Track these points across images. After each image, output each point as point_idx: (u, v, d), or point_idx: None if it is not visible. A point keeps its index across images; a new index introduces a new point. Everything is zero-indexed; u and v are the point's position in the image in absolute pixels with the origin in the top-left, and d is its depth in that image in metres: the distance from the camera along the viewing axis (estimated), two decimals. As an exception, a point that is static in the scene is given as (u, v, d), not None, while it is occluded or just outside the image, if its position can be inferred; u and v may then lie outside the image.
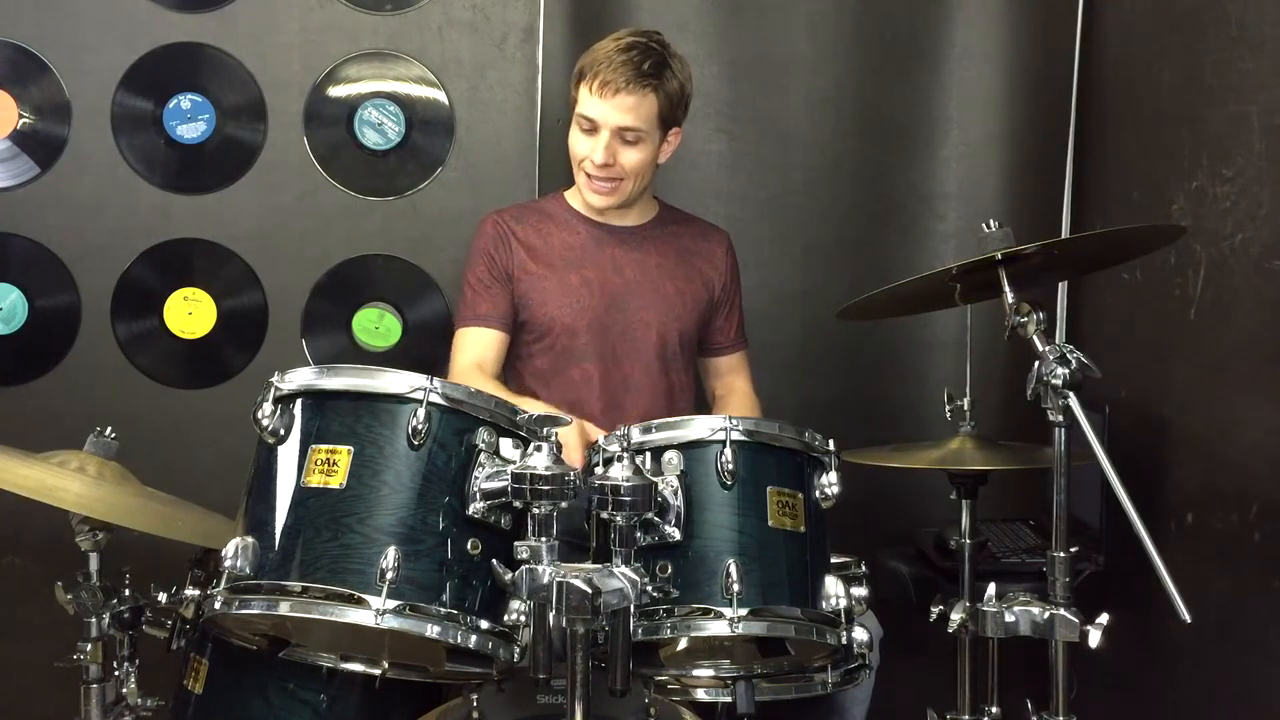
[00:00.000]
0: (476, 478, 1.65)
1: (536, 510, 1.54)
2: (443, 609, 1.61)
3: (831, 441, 1.86)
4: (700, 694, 1.90)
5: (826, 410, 2.82)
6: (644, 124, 2.33)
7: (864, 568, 1.95)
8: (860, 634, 1.79)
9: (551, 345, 2.43)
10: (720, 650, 1.91)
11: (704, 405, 2.59)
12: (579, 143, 2.37)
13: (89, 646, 1.93)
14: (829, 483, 1.82)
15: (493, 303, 2.43)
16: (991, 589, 1.80)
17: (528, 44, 2.86)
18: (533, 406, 2.16)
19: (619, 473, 1.57)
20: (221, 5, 2.83)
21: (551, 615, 1.50)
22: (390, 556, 1.58)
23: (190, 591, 1.92)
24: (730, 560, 1.70)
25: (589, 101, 2.31)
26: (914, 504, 2.73)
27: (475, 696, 1.75)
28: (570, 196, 2.52)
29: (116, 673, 1.97)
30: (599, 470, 1.65)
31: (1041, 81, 2.89)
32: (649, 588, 1.63)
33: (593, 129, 2.33)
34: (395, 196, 2.89)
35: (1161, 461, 2.35)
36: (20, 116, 2.81)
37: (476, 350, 2.43)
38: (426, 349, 2.89)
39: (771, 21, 2.89)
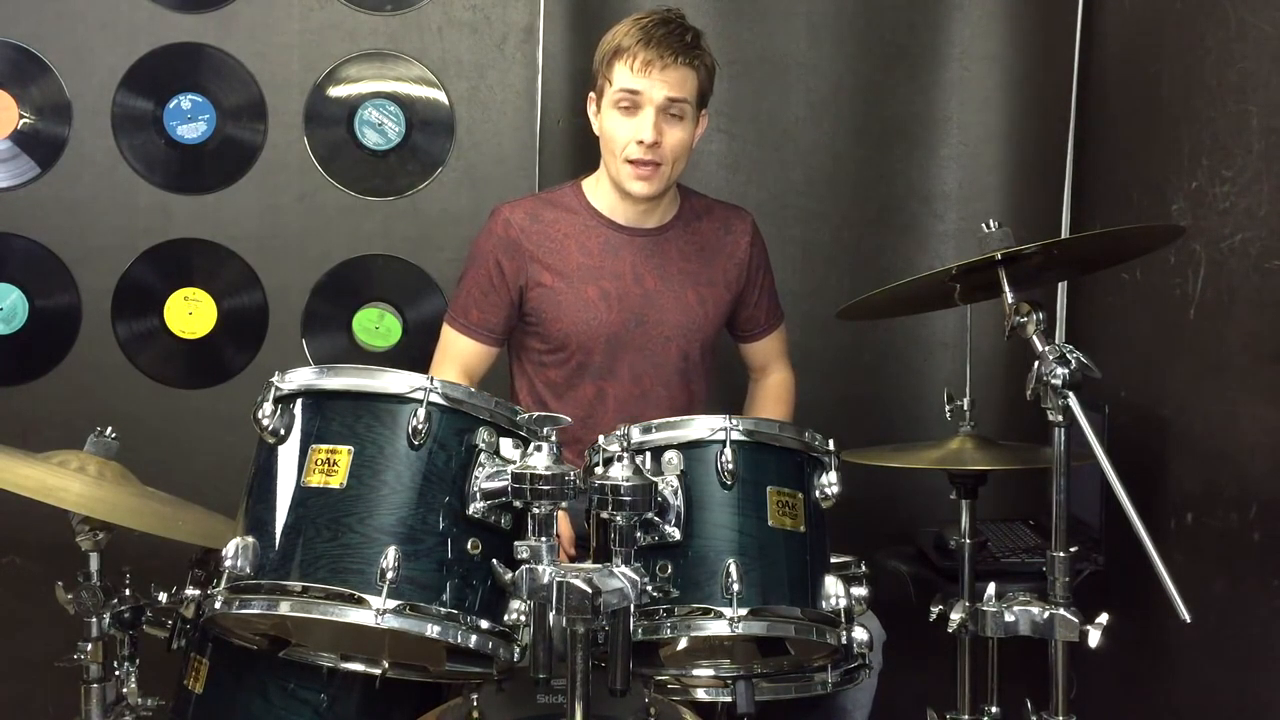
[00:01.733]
0: (476, 478, 1.65)
1: (536, 510, 1.54)
2: (443, 609, 1.61)
3: (831, 441, 1.85)
4: (700, 694, 1.90)
5: (826, 410, 2.81)
6: (688, 96, 2.24)
7: (864, 568, 1.95)
8: (860, 634, 1.79)
9: (566, 360, 2.35)
10: (720, 650, 1.91)
11: (719, 408, 2.57)
12: (620, 126, 2.23)
13: (89, 646, 1.93)
14: (829, 483, 1.82)
15: (485, 312, 2.35)
16: (991, 589, 1.80)
17: (528, 44, 2.86)
18: None
19: (619, 473, 1.57)
20: (221, 5, 2.83)
21: (551, 615, 1.50)
22: (390, 556, 1.58)
23: (190, 591, 1.91)
24: (730, 560, 1.70)
25: (631, 79, 2.20)
26: (914, 504, 2.73)
27: (475, 696, 1.75)
28: (589, 189, 2.39)
29: (117, 672, 1.97)
30: (599, 470, 1.65)
31: (1041, 81, 2.89)
32: (649, 588, 1.63)
33: (634, 107, 2.22)
34: (395, 196, 2.89)
35: (1161, 461, 2.35)
36: (20, 116, 2.81)
37: (462, 360, 2.38)
38: (427, 349, 2.87)
39: (771, 21, 2.89)
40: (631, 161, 2.25)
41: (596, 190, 2.39)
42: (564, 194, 2.41)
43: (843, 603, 1.77)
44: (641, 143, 2.22)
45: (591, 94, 2.33)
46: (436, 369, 2.39)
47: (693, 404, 2.41)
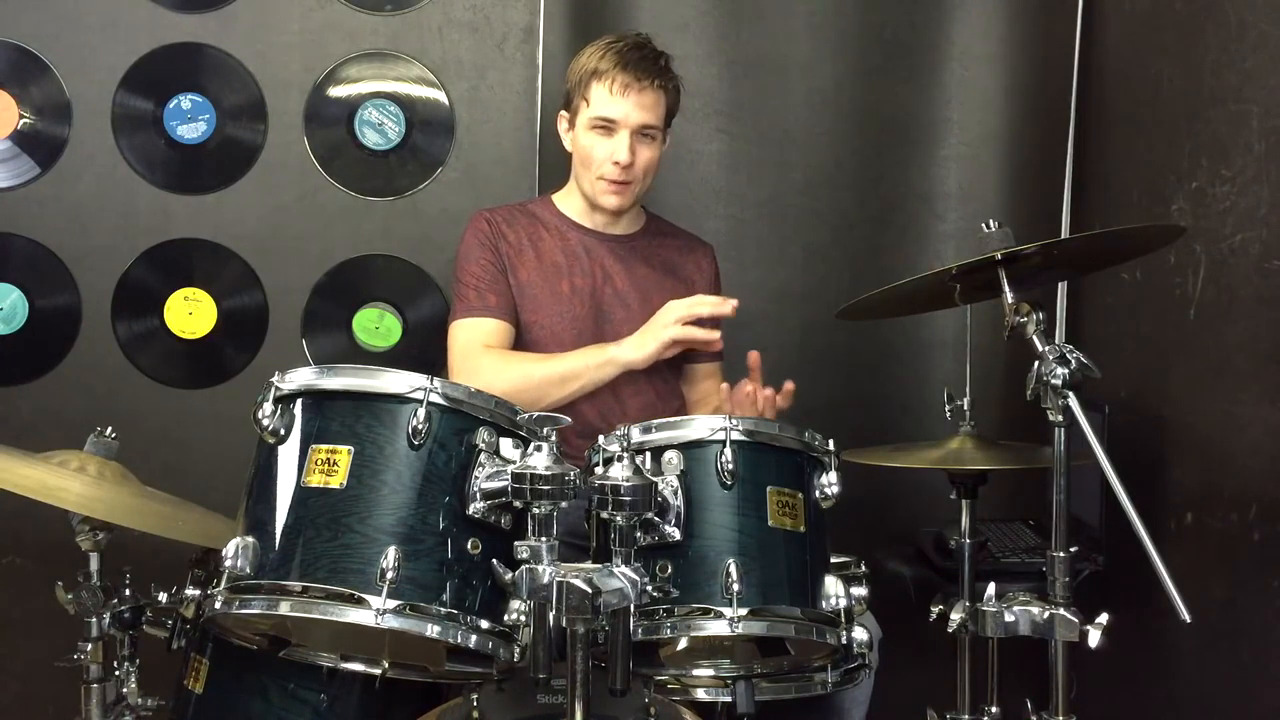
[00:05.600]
0: (476, 477, 1.65)
1: (536, 510, 1.54)
2: (443, 609, 1.61)
3: (831, 441, 1.86)
4: (700, 694, 1.90)
5: (826, 410, 2.80)
6: (659, 121, 2.35)
7: (864, 568, 1.95)
8: (860, 634, 1.79)
9: (539, 353, 2.39)
10: (720, 650, 1.92)
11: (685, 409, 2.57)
12: (596, 146, 2.34)
13: (89, 646, 1.93)
14: (829, 482, 1.82)
15: (499, 296, 2.38)
16: (991, 589, 1.80)
17: (528, 44, 2.87)
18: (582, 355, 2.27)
19: (619, 473, 1.57)
20: (221, 5, 2.83)
21: (551, 615, 1.50)
22: (390, 556, 1.58)
23: (190, 591, 1.92)
24: (730, 560, 1.70)
25: (609, 102, 2.30)
26: (914, 504, 2.73)
27: (475, 696, 1.75)
28: (560, 201, 2.49)
29: (117, 672, 1.97)
30: (599, 470, 1.65)
31: (1041, 81, 2.89)
32: (649, 588, 1.63)
33: (610, 130, 2.32)
34: (395, 196, 2.89)
35: (1161, 461, 2.35)
36: (21, 116, 2.81)
37: (489, 337, 2.35)
38: (427, 349, 2.89)
39: (771, 21, 2.89)
40: (605, 179, 2.35)
41: (567, 201, 2.49)
42: (535, 205, 2.52)
43: (843, 603, 1.78)
44: (617, 163, 2.33)
45: (563, 112, 2.42)
46: (466, 362, 2.33)
47: (660, 400, 2.44)
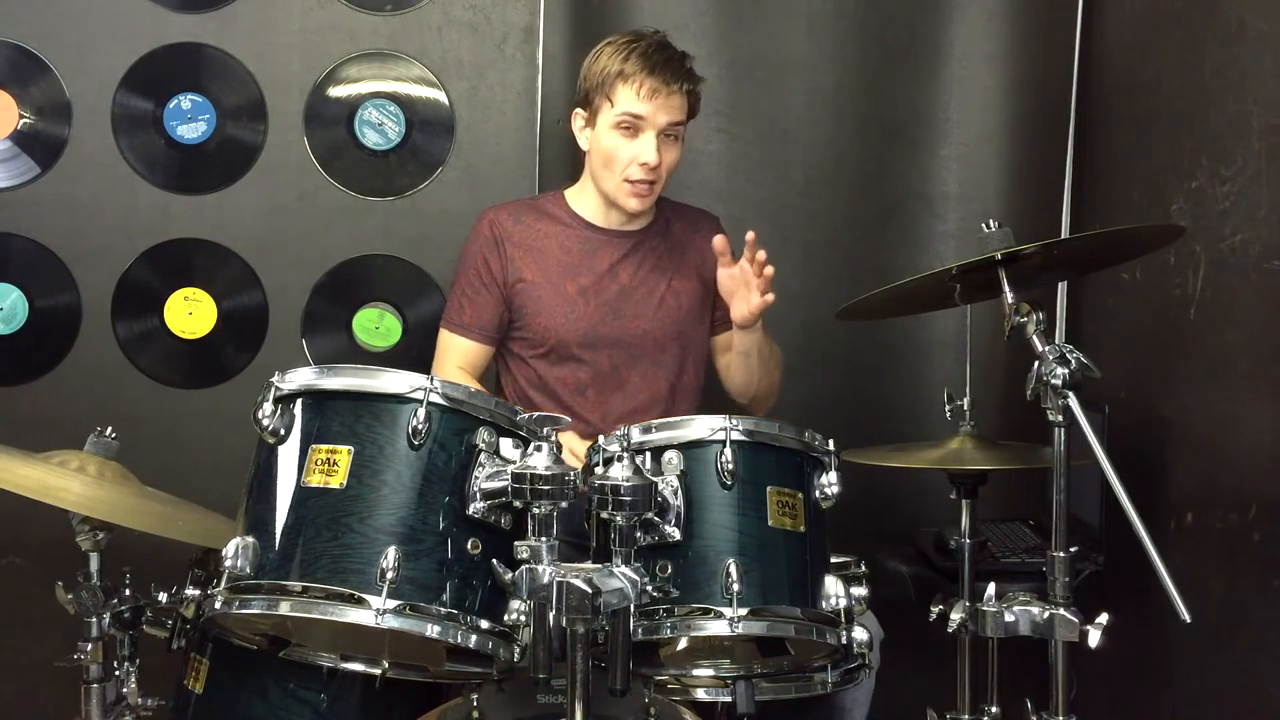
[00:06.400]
0: (477, 477, 1.65)
1: (536, 510, 1.54)
2: (443, 609, 1.61)
3: (831, 441, 1.86)
4: (700, 694, 1.90)
5: (826, 410, 2.82)
6: (684, 120, 2.34)
7: (864, 567, 1.95)
8: (860, 634, 1.79)
9: (547, 354, 2.41)
10: (720, 650, 1.92)
11: (708, 406, 2.57)
12: (621, 147, 2.32)
13: (89, 646, 1.93)
14: (829, 482, 1.82)
15: (477, 311, 2.42)
16: (991, 589, 1.80)
17: (528, 44, 2.86)
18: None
19: (619, 473, 1.57)
20: (221, 5, 2.83)
21: (551, 615, 1.50)
22: (390, 556, 1.58)
23: (191, 591, 1.92)
24: (730, 560, 1.70)
25: (635, 105, 2.28)
26: (914, 504, 2.73)
27: (475, 696, 1.75)
28: (572, 198, 2.48)
29: (117, 672, 1.97)
30: (599, 470, 1.65)
31: (1041, 81, 2.89)
32: (649, 588, 1.63)
33: (635, 130, 2.30)
34: (395, 196, 2.89)
35: (1161, 461, 2.35)
36: (21, 116, 2.81)
37: (460, 358, 2.44)
38: (427, 349, 2.87)
39: (771, 21, 2.89)
40: (630, 180, 2.34)
41: (579, 199, 2.48)
42: (546, 201, 2.51)
43: (843, 603, 1.78)
44: (645, 164, 2.31)
45: (579, 110, 2.40)
46: (439, 374, 2.40)
47: (674, 395, 2.45)
